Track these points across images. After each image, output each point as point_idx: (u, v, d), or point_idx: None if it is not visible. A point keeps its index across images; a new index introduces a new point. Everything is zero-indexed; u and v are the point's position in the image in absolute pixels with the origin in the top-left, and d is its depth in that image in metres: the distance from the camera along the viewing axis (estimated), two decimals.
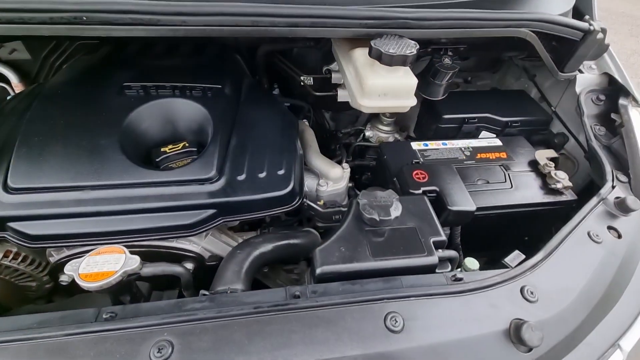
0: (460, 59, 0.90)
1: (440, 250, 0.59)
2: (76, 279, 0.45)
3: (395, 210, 0.58)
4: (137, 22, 0.58)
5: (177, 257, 0.68)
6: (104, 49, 0.90)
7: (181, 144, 0.72)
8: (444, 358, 0.46)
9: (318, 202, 0.86)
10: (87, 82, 0.77)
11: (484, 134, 1.07)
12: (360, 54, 0.71)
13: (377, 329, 0.47)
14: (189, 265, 0.68)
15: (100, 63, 0.84)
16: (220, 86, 0.81)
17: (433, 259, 0.56)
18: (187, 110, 0.75)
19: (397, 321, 0.47)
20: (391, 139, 1.20)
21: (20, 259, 0.68)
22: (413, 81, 0.65)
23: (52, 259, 0.65)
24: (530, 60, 1.12)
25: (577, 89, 0.96)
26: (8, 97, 1.06)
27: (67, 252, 0.64)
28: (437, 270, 0.57)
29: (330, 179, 0.86)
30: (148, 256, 0.66)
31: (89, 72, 0.81)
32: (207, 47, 0.96)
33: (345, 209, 0.86)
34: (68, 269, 0.46)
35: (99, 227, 0.61)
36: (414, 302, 0.50)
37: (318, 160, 0.87)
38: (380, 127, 1.18)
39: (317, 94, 1.01)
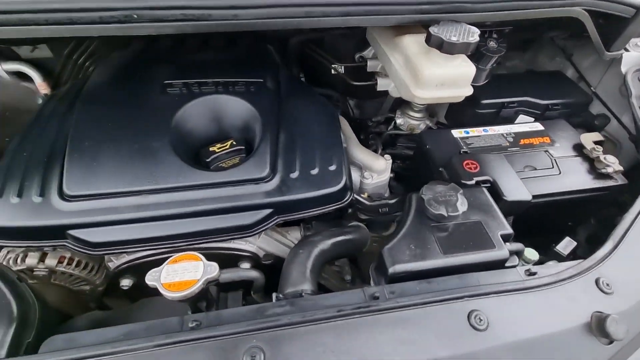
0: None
1: (507, 244, 0.58)
2: (160, 289, 0.45)
3: (462, 205, 0.57)
4: (188, 18, 0.55)
5: (234, 257, 0.68)
6: (135, 45, 0.86)
7: (228, 143, 0.70)
8: (529, 354, 0.46)
9: (362, 195, 0.85)
10: (127, 81, 0.75)
11: (521, 117, 1.05)
12: (411, 42, 0.68)
13: (463, 328, 0.46)
14: (246, 265, 0.68)
15: (135, 60, 0.82)
16: (261, 80, 0.78)
17: (504, 253, 0.55)
18: (232, 107, 0.73)
19: (481, 319, 0.47)
20: (422, 126, 1.17)
21: (74, 264, 0.68)
22: (472, 69, 0.63)
23: (111, 264, 0.65)
24: (569, 39, 1.08)
25: (623, 69, 0.93)
26: (41, 99, 1.04)
27: (127, 257, 0.64)
28: (506, 265, 0.57)
29: (375, 171, 0.84)
30: (207, 258, 0.65)
31: (126, 71, 0.78)
32: (238, 39, 0.92)
33: (392, 200, 0.85)
34: (149, 278, 0.46)
35: (159, 232, 0.60)
36: (494, 299, 0.49)
37: (361, 153, 0.85)
38: (411, 113, 1.15)
39: (355, 83, 0.98)
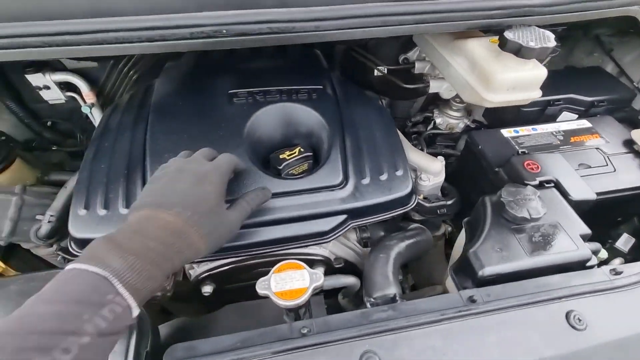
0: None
1: (587, 244, 0.59)
2: (272, 298, 0.46)
3: (543, 208, 0.58)
4: (273, 31, 0.56)
5: (308, 262, 0.69)
6: (188, 55, 0.87)
7: (297, 149, 0.71)
8: (628, 353, 0.48)
9: (419, 197, 0.86)
10: (193, 92, 0.76)
11: (564, 115, 1.06)
12: (477, 46, 0.68)
13: (563, 328, 0.48)
14: (320, 270, 0.70)
15: (193, 70, 0.83)
16: (321, 87, 0.79)
17: (586, 253, 0.57)
18: (298, 115, 0.74)
19: (580, 319, 0.48)
20: (461, 125, 1.19)
21: None
22: (543, 72, 0.64)
23: (192, 272, 0.67)
24: (612, 36, 1.08)
25: None
26: (89, 108, 1.06)
27: (209, 265, 0.65)
28: (587, 265, 0.58)
29: (431, 173, 0.86)
30: None
31: (188, 82, 0.79)
32: (287, 45, 0.93)
33: (449, 202, 0.87)
34: (260, 287, 0.48)
35: (242, 240, 0.62)
36: (588, 299, 0.51)
37: (416, 155, 0.86)
38: (450, 112, 1.16)
39: (406, 86, 0.99)
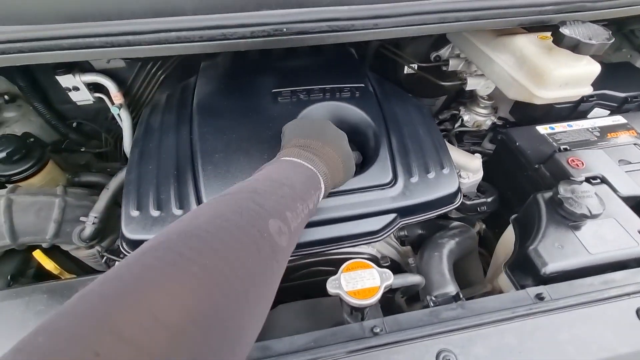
0: None
1: None
2: (344, 297, 0.46)
3: (602, 204, 0.58)
4: (332, 29, 0.56)
5: None
6: (223, 55, 0.87)
7: None
8: None
9: None
10: (235, 91, 0.75)
11: (596, 111, 1.05)
12: (527, 42, 0.68)
13: (634, 325, 0.48)
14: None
15: (232, 69, 0.82)
16: (363, 85, 0.79)
17: None
18: (343, 113, 0.73)
19: None
20: (488, 122, 1.18)
21: None
22: (597, 68, 0.63)
23: None
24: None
25: None
26: (118, 109, 1.05)
27: None
28: None
29: (471, 170, 0.86)
30: (333, 264, 0.67)
31: (229, 80, 0.79)
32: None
33: (489, 199, 0.87)
34: (330, 286, 0.47)
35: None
36: None
37: (455, 153, 0.86)
38: (478, 110, 1.16)
39: (444, 83, 0.98)
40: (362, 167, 0.69)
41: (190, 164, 0.65)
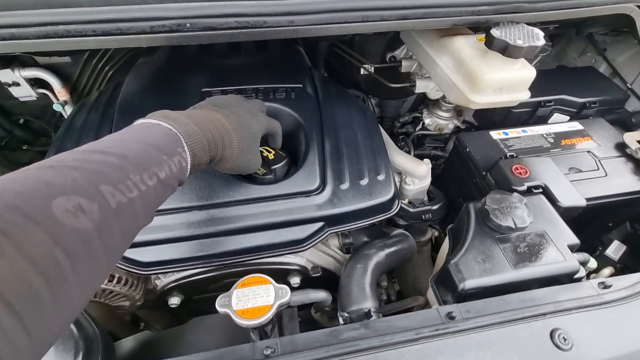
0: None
1: (575, 254, 0.56)
2: (233, 317, 0.43)
3: (529, 216, 0.55)
4: (242, 26, 0.52)
5: (283, 272, 0.66)
6: (162, 51, 0.83)
7: (273, 151, 0.68)
8: None
9: (403, 202, 0.83)
10: (162, 90, 0.71)
11: (555, 117, 1.03)
12: (463, 44, 0.65)
13: (547, 348, 0.45)
14: (296, 280, 0.66)
15: (165, 68, 0.78)
16: (301, 85, 0.75)
17: (574, 265, 0.54)
18: (274, 115, 0.70)
19: (565, 338, 0.45)
20: (450, 126, 1.16)
21: (122, 283, 0.66)
22: (532, 73, 0.60)
23: (159, 282, 0.63)
24: (606, 35, 1.05)
25: None
26: (61, 106, 1.01)
27: (176, 275, 0.61)
28: (574, 277, 0.55)
29: (416, 176, 0.82)
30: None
31: (159, 79, 0.75)
32: (268, 41, 0.89)
33: (435, 207, 0.83)
34: (219, 304, 0.44)
35: (211, 249, 0.58)
36: (573, 315, 0.48)
37: (401, 158, 0.83)
38: (440, 113, 1.13)
39: (393, 85, 0.95)
40: (288, 172, 0.65)
41: None
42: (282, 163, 0.63)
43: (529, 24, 0.63)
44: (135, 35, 0.50)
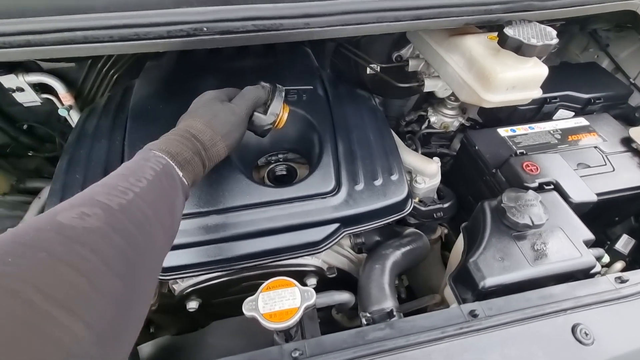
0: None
1: (590, 250, 0.57)
2: (261, 321, 0.43)
3: (546, 214, 0.56)
4: (259, 29, 0.52)
5: (300, 274, 0.66)
6: (170, 54, 0.82)
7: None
8: None
9: (414, 201, 0.83)
10: (174, 94, 0.71)
11: (560, 113, 1.03)
12: (475, 43, 0.65)
13: (570, 343, 0.45)
14: (313, 281, 0.66)
15: (175, 71, 0.78)
16: (312, 87, 0.75)
17: (590, 261, 0.54)
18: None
19: (587, 333, 0.46)
20: (456, 123, 1.16)
21: None
22: (544, 70, 0.61)
23: (177, 287, 0.63)
24: (609, 31, 1.06)
25: None
26: (66, 110, 1.00)
27: (194, 280, 0.61)
28: (591, 272, 0.56)
29: (427, 175, 0.83)
30: (273, 276, 0.63)
31: (169, 83, 0.75)
32: (276, 43, 0.89)
33: (446, 205, 0.84)
34: (246, 308, 0.44)
35: (228, 253, 0.58)
36: (594, 310, 0.48)
37: (411, 157, 0.83)
38: (445, 111, 1.14)
39: (400, 85, 0.95)
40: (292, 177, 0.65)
41: None
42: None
43: (538, 21, 0.64)
44: (153, 40, 0.50)
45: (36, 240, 0.26)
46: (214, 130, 0.48)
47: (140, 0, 0.48)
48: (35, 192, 0.97)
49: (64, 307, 0.24)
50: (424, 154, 1.09)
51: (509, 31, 0.56)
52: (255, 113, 0.56)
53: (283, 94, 0.58)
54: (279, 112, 0.57)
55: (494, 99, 0.62)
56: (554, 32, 0.57)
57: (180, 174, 0.43)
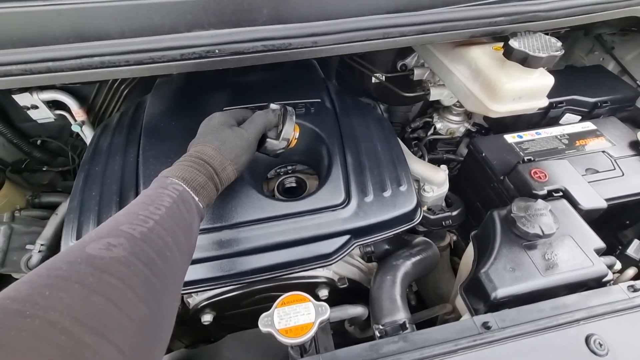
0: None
1: (601, 258, 0.57)
2: (277, 336, 0.44)
3: (556, 223, 0.56)
4: (268, 49, 0.53)
5: (312, 285, 0.67)
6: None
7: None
8: None
9: (423, 209, 0.84)
10: (185, 110, 0.73)
11: (567, 117, 1.03)
12: (481, 54, 0.66)
13: (584, 354, 0.46)
14: (324, 292, 0.67)
15: (186, 87, 0.80)
16: (319, 100, 0.76)
17: (602, 270, 0.55)
18: None
19: (601, 344, 0.46)
20: (462, 129, 1.16)
21: None
22: (551, 80, 0.61)
23: (191, 300, 0.64)
24: (614, 35, 1.06)
25: None
26: (78, 126, 1.02)
27: (208, 294, 0.62)
28: (603, 280, 0.56)
29: (435, 183, 0.83)
30: (286, 289, 0.64)
31: (181, 100, 0.76)
32: None
33: (454, 212, 0.84)
34: (262, 324, 0.45)
35: (241, 267, 0.59)
36: (607, 320, 0.48)
37: (419, 165, 0.84)
38: (451, 117, 1.14)
39: (406, 94, 0.96)
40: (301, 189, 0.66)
41: (134, 190, 0.63)
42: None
43: (543, 31, 0.64)
44: (167, 62, 0.51)
45: (69, 273, 0.28)
46: (223, 155, 0.51)
47: (155, 26, 0.50)
48: (50, 207, 1.00)
49: (98, 334, 0.25)
50: (430, 160, 1.10)
51: (514, 43, 0.57)
52: (268, 139, 0.58)
53: (294, 117, 0.60)
54: (290, 137, 0.58)
55: (500, 109, 0.62)
56: (559, 43, 0.58)
57: (196, 198, 0.46)
